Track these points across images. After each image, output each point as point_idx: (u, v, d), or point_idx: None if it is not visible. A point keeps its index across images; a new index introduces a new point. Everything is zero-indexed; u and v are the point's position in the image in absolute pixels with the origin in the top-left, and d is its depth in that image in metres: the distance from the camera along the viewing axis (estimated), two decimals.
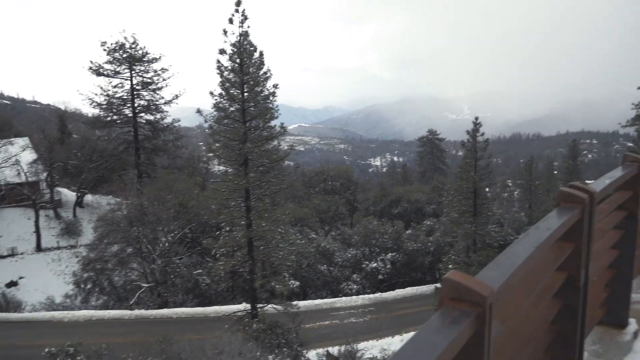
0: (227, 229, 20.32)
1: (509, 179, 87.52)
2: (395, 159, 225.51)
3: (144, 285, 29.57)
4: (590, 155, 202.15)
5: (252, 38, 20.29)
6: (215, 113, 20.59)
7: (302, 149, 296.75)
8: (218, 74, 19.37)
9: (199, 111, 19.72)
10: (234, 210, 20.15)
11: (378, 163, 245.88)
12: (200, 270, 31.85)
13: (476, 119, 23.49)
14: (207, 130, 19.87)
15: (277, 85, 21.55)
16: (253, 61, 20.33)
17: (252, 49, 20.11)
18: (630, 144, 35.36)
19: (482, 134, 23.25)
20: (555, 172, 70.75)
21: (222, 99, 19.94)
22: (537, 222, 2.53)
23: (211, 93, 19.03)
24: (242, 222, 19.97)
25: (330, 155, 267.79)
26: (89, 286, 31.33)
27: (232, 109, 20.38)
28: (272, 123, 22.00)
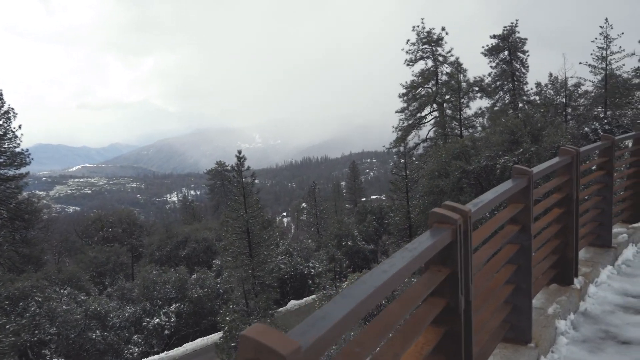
0: None
1: (304, 202, 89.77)
2: (192, 192, 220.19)
3: None
4: (372, 173, 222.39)
5: None
6: None
7: (89, 191, 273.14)
8: None
9: None
10: None
11: (175, 199, 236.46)
12: None
13: (239, 152, 21.56)
14: None
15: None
16: None
17: None
18: (402, 160, 38.51)
19: (248, 168, 21.38)
20: (344, 192, 74.05)
21: None
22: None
23: None
24: None
25: (122, 195, 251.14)
26: None
27: None
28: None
